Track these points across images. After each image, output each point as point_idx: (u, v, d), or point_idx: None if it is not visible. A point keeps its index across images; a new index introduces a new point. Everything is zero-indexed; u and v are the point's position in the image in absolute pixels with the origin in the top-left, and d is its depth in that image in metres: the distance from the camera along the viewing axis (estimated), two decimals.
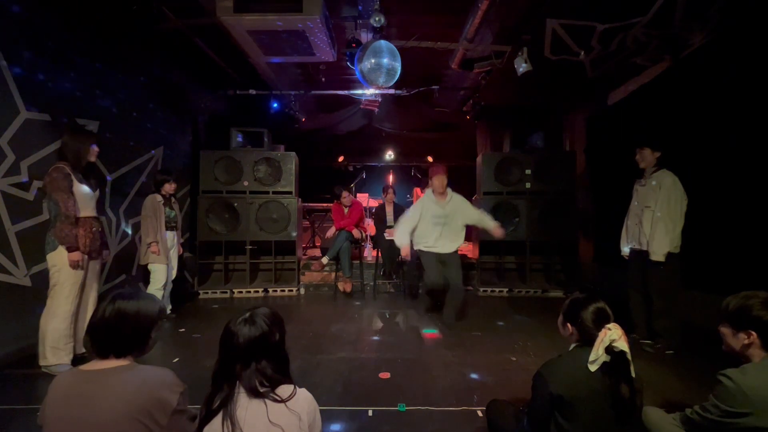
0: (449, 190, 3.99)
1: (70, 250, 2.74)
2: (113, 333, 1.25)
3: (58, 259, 2.75)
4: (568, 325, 1.55)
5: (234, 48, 4.49)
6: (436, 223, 3.90)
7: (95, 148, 2.98)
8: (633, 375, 1.39)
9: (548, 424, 1.46)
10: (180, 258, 4.48)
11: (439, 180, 3.90)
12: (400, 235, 3.93)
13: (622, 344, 1.38)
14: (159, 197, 4.07)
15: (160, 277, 4.00)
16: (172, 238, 4.21)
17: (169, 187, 4.17)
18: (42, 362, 2.76)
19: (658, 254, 3.14)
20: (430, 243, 3.92)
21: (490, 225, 3.95)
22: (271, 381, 1.21)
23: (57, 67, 3.44)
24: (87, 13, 3.67)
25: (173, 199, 4.30)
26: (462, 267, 3.97)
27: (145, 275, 4.17)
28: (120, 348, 1.27)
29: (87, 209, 2.90)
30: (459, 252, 5.84)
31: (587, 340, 1.45)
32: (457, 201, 3.99)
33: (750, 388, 1.36)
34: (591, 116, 6.01)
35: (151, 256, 3.95)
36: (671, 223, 3.14)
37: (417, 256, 4.18)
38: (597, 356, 1.39)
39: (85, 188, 2.88)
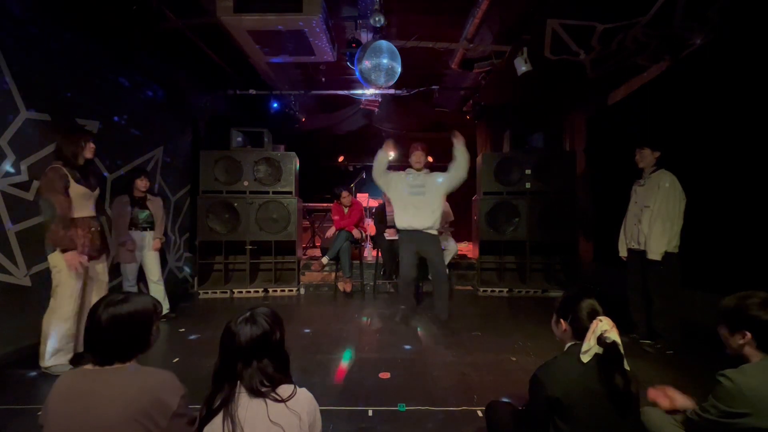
0: (427, 170, 3.89)
1: (65, 251, 2.73)
2: (113, 341, 1.25)
3: (59, 260, 2.75)
4: (562, 321, 1.56)
5: (234, 48, 4.49)
6: (413, 192, 3.75)
7: (91, 145, 2.94)
8: (627, 368, 1.39)
9: (547, 426, 1.45)
10: (162, 256, 4.42)
11: (416, 156, 3.82)
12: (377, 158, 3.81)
13: (614, 335, 1.39)
14: (125, 198, 3.95)
15: (128, 276, 4.00)
16: (146, 238, 4.06)
17: (141, 185, 3.98)
18: (42, 362, 2.76)
19: (655, 253, 3.14)
20: (406, 219, 3.76)
21: (459, 148, 3.72)
22: (272, 380, 1.22)
23: (57, 67, 3.44)
24: (87, 13, 3.67)
25: (149, 197, 4.10)
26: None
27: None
28: (122, 354, 1.26)
29: (84, 209, 2.87)
30: (459, 252, 5.83)
31: (581, 336, 1.46)
32: (433, 174, 3.87)
33: (749, 389, 1.36)
34: (591, 116, 6.01)
35: (120, 256, 3.93)
36: (669, 222, 3.14)
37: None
38: (589, 347, 1.40)
39: (83, 188, 2.85)
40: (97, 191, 3.00)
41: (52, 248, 2.75)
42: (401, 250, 3.89)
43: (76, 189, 2.80)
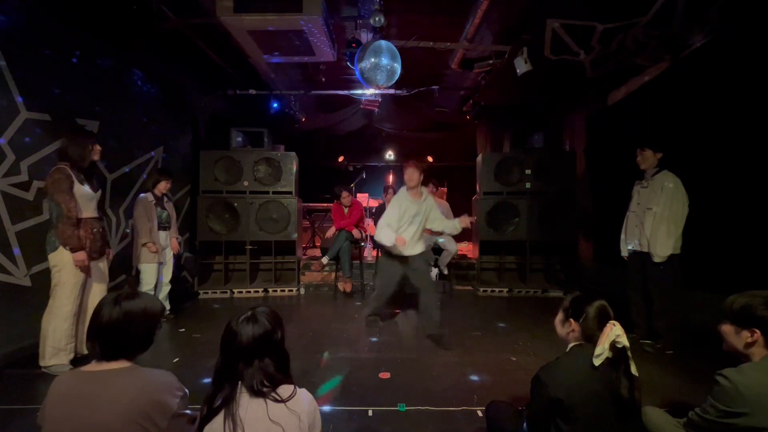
0: (423, 188, 3.67)
1: (74, 250, 2.74)
2: (123, 335, 1.26)
3: (59, 260, 2.75)
4: (571, 321, 1.55)
5: (234, 48, 4.49)
6: (412, 222, 3.54)
7: (97, 147, 2.98)
8: (635, 373, 1.40)
9: (548, 426, 1.45)
10: (178, 257, 4.46)
11: (408, 174, 3.54)
12: (387, 236, 3.46)
13: (624, 340, 1.40)
14: (150, 197, 4.05)
15: (149, 278, 3.99)
16: (165, 238, 4.19)
17: (164, 187, 4.15)
18: (42, 362, 2.76)
19: (660, 256, 3.15)
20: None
21: (452, 225, 3.60)
22: (272, 380, 1.22)
23: (57, 67, 3.44)
24: (87, 13, 3.67)
25: (166, 199, 4.27)
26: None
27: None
28: (129, 349, 1.27)
29: (88, 210, 2.89)
30: (459, 252, 5.83)
31: (588, 338, 1.46)
32: (430, 201, 3.68)
33: (746, 388, 1.36)
34: (591, 116, 6.01)
35: (141, 256, 3.95)
36: (673, 225, 3.14)
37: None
38: (603, 350, 1.40)
39: (86, 189, 2.87)
40: (99, 193, 3.02)
41: (54, 247, 2.75)
42: (388, 265, 3.68)
43: (80, 190, 2.82)
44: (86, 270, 2.87)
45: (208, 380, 1.26)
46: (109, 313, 1.25)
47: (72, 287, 2.80)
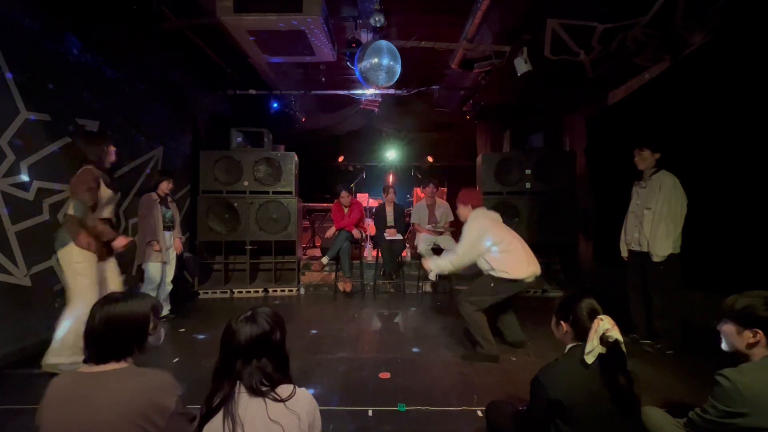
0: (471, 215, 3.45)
1: (113, 239, 2.84)
2: (107, 339, 1.25)
3: (78, 254, 2.75)
4: (562, 323, 1.56)
5: (234, 48, 4.48)
6: None
7: (112, 148, 3.00)
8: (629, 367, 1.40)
9: (547, 427, 1.45)
10: (179, 257, 4.46)
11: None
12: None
13: (615, 333, 1.40)
14: (154, 196, 4.08)
15: (153, 277, 3.99)
16: (169, 238, 4.21)
17: (165, 187, 4.17)
18: (45, 360, 2.75)
19: (659, 255, 3.15)
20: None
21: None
22: (271, 380, 1.22)
23: (57, 67, 3.43)
24: (86, 13, 3.67)
25: (169, 199, 4.29)
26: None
27: (142, 275, 4.15)
28: (117, 352, 1.26)
29: (106, 211, 2.93)
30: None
31: (582, 336, 1.46)
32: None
33: (747, 388, 1.36)
34: (591, 116, 6.01)
35: (146, 255, 3.95)
36: (672, 225, 3.14)
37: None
38: (593, 347, 1.40)
39: (110, 191, 2.91)
40: (119, 194, 3.06)
41: (63, 243, 2.74)
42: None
43: (105, 193, 2.85)
44: (99, 270, 2.88)
45: (208, 380, 1.26)
46: (93, 318, 1.25)
47: (89, 285, 2.79)
